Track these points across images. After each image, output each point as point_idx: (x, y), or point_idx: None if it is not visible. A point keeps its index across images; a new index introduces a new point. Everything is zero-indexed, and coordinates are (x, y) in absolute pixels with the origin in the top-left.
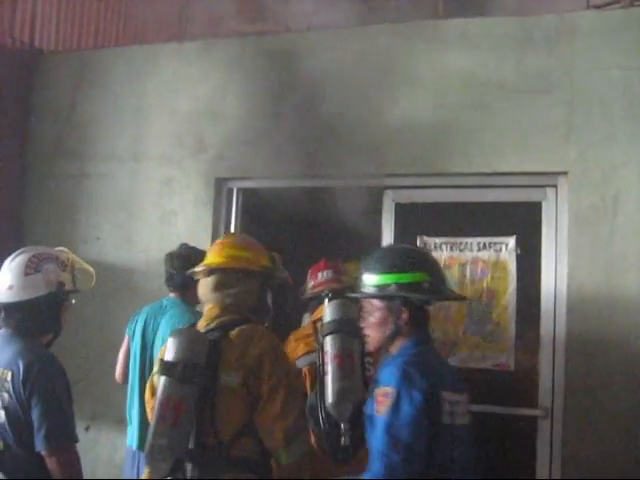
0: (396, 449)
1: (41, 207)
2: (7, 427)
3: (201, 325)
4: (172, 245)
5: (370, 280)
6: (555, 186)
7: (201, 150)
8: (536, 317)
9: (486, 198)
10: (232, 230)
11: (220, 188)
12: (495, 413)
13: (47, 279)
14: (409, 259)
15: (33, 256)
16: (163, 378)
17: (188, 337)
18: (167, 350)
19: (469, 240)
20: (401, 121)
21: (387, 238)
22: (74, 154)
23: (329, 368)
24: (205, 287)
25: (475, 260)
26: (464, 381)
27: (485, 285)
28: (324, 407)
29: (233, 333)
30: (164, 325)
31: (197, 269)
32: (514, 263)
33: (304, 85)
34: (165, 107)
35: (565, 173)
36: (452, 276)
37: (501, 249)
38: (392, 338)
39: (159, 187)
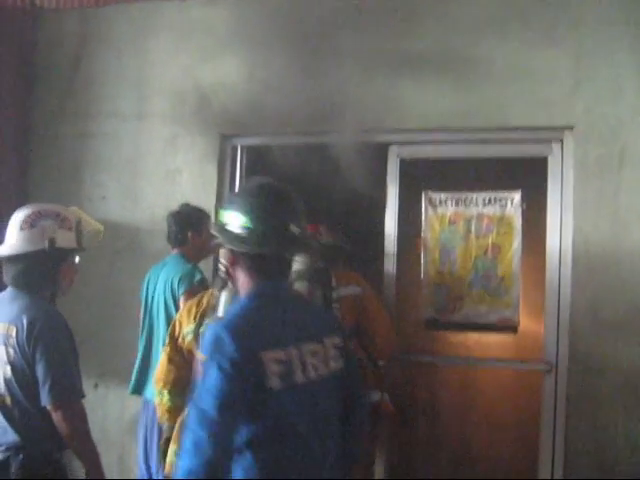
0: (202, 424)
1: (46, 167)
2: (14, 383)
3: None
4: (177, 203)
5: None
6: (561, 140)
7: (205, 107)
8: (541, 272)
9: (491, 153)
10: (237, 187)
11: (224, 145)
12: (500, 368)
13: (41, 235)
14: (238, 197)
15: (32, 212)
16: None
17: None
18: (218, 307)
19: (474, 195)
20: (404, 77)
21: (392, 194)
22: (78, 113)
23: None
24: None
25: (480, 215)
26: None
27: (490, 240)
28: None
29: None
30: (162, 279)
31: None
32: (519, 218)
33: (309, 38)
34: (168, 64)
35: (571, 127)
36: (458, 231)
37: (506, 204)
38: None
39: (163, 145)
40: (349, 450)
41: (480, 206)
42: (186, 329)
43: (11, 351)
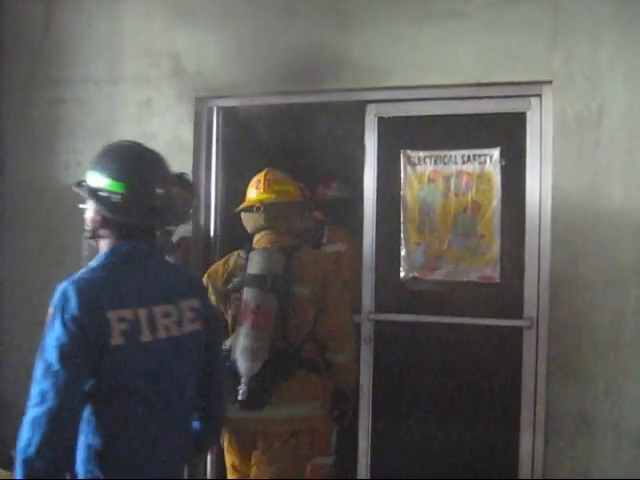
0: (46, 375)
1: (20, 135)
2: None
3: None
4: None
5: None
6: (539, 95)
7: (179, 70)
8: (521, 228)
9: (469, 110)
10: (214, 149)
11: (200, 108)
12: (481, 325)
13: None
14: (109, 159)
15: None
16: (254, 290)
17: (270, 254)
18: (252, 265)
19: (453, 153)
20: (380, 33)
21: (370, 153)
22: (50, 80)
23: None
24: (257, 219)
25: (459, 173)
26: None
27: (470, 198)
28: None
29: (298, 254)
30: None
31: (251, 204)
32: (499, 175)
33: None
34: (140, 27)
35: (550, 82)
36: (437, 189)
37: (485, 161)
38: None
39: (138, 109)
40: (209, 410)
41: (459, 163)
42: (212, 287)
43: None
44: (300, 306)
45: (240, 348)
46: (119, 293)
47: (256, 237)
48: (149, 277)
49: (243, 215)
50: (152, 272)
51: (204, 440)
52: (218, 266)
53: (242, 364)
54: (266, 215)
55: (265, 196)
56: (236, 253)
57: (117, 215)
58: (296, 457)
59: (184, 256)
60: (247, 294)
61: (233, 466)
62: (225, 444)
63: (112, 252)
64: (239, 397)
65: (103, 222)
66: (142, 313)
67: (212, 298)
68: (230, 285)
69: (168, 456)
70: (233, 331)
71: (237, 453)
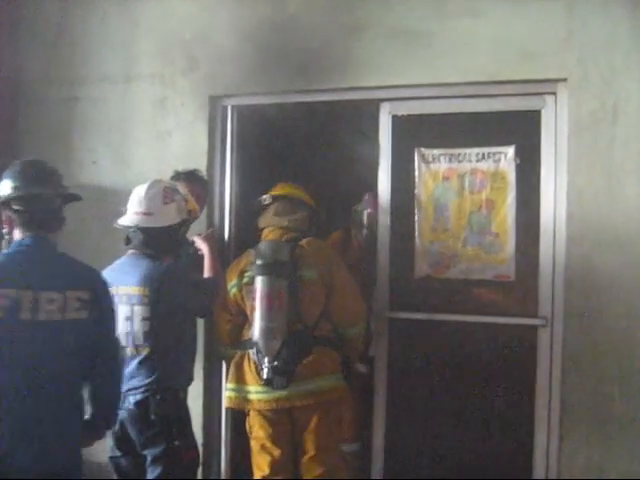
0: None
1: (35, 133)
2: (153, 335)
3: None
4: (168, 166)
5: None
6: (554, 93)
7: (193, 68)
8: (536, 226)
9: (484, 107)
10: (228, 148)
11: (214, 106)
12: (495, 323)
13: (177, 209)
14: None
15: (166, 187)
16: (264, 277)
17: (275, 244)
18: (259, 255)
19: (467, 151)
20: (395, 31)
21: (385, 151)
22: (65, 78)
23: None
24: (266, 215)
25: (474, 171)
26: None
27: (484, 196)
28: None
29: (303, 242)
30: None
31: (264, 196)
32: (513, 173)
33: None
34: (155, 25)
35: (564, 79)
36: (451, 187)
37: (500, 159)
38: None
39: (152, 108)
40: (99, 395)
41: (474, 161)
42: (230, 284)
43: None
44: (309, 289)
45: (258, 330)
46: (8, 276)
47: (264, 233)
48: (40, 266)
49: (259, 218)
50: (44, 263)
51: (94, 425)
52: (233, 265)
53: (262, 344)
54: (274, 208)
55: (276, 191)
56: (247, 252)
57: (13, 215)
58: (332, 425)
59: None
60: (259, 282)
61: (264, 448)
62: (254, 428)
63: (15, 244)
64: (264, 376)
65: (9, 221)
66: (26, 295)
67: (231, 293)
68: (245, 280)
69: (47, 441)
70: (252, 320)
71: (269, 435)
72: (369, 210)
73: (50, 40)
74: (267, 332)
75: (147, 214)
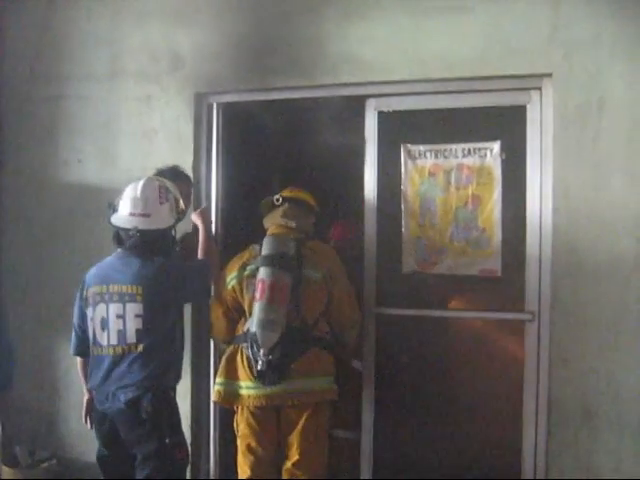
0: None
1: (20, 131)
2: (146, 332)
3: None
4: (154, 163)
5: None
6: (539, 88)
7: (178, 65)
8: (522, 221)
9: (470, 103)
10: (214, 145)
11: (200, 104)
12: (482, 318)
13: (172, 208)
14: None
15: (161, 186)
16: (268, 268)
17: (282, 237)
18: (265, 247)
19: (453, 146)
20: (380, 27)
21: (371, 147)
22: (50, 76)
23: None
24: (275, 214)
25: (460, 166)
26: None
27: (470, 191)
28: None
29: (309, 244)
30: None
31: (276, 196)
32: (499, 168)
33: None
34: (139, 22)
35: (550, 75)
36: (437, 183)
37: (486, 154)
38: None
39: (138, 105)
40: None
41: (459, 157)
42: (229, 277)
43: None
44: (312, 288)
45: (257, 321)
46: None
47: (270, 229)
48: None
49: (265, 218)
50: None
51: None
52: (234, 260)
53: (260, 335)
54: (283, 210)
55: (286, 193)
56: (251, 247)
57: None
58: (319, 429)
59: (187, 252)
60: (262, 273)
61: (248, 447)
62: (240, 426)
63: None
64: (257, 368)
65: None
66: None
67: (229, 286)
68: (246, 272)
69: None
70: (250, 314)
71: (255, 433)
72: (333, 240)
73: (36, 37)
74: (266, 323)
75: (144, 215)
